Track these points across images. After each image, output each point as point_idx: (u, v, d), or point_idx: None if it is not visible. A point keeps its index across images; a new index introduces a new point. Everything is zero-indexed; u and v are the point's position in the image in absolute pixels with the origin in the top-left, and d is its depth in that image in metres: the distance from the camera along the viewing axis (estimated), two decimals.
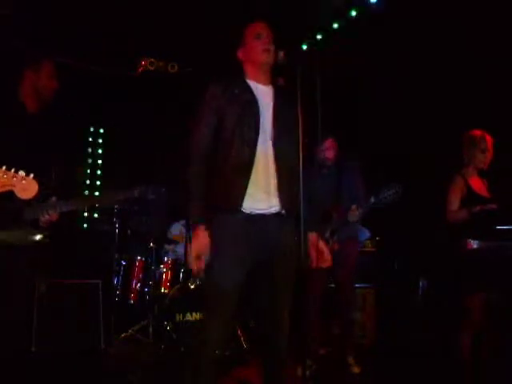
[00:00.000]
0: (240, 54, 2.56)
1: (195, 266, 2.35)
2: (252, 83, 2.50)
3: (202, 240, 2.35)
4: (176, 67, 5.85)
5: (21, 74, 2.88)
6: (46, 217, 2.69)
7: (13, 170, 2.04)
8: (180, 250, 5.15)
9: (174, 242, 5.35)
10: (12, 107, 2.84)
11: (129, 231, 5.40)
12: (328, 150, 4.09)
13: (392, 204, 3.57)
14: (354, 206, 3.71)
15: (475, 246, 3.34)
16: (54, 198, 2.74)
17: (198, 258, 2.35)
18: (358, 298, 4.85)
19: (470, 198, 3.41)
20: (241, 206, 2.34)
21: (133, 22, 4.98)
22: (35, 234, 2.72)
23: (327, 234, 3.82)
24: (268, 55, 2.46)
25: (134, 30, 5.10)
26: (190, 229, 4.93)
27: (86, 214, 6.09)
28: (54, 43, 4.77)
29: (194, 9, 4.85)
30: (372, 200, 3.61)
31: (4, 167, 2.03)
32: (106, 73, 5.50)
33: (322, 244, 2.52)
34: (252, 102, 2.44)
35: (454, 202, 3.43)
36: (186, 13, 4.90)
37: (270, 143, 2.42)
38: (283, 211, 2.41)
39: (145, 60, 5.75)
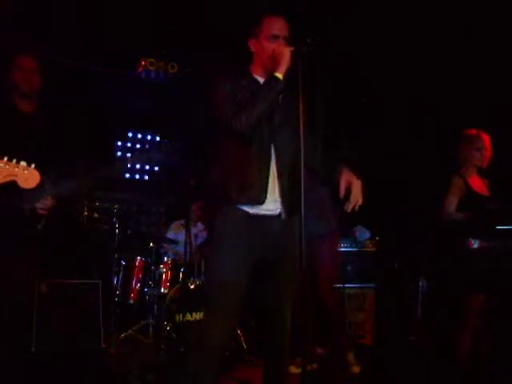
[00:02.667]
0: (251, 45, 2.46)
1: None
2: (258, 78, 2.45)
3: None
4: (176, 67, 5.86)
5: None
6: (43, 202, 2.65)
7: (14, 161, 2.05)
8: (180, 249, 5.15)
9: (174, 242, 5.36)
10: (4, 109, 2.85)
11: (129, 231, 5.40)
12: None
13: None
14: None
15: (475, 246, 3.34)
16: (48, 182, 2.67)
17: None
18: (358, 297, 4.85)
19: (470, 197, 3.41)
20: (264, 201, 2.32)
21: (133, 22, 4.97)
22: (35, 223, 2.70)
23: None
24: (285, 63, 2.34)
25: (134, 30, 5.09)
26: (189, 228, 4.95)
27: (85, 214, 6.09)
28: (54, 43, 4.78)
29: (194, 9, 4.85)
30: None
31: (6, 158, 2.04)
32: (106, 73, 5.49)
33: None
34: None
35: (452, 202, 3.42)
36: (186, 13, 4.90)
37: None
38: (285, 213, 2.39)
39: (145, 60, 5.75)
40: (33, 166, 2.09)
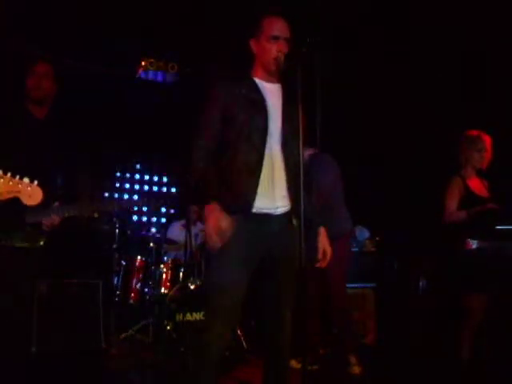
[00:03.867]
0: (252, 45, 2.45)
1: (215, 242, 2.26)
2: (259, 81, 2.44)
3: (219, 215, 2.25)
4: (176, 67, 5.86)
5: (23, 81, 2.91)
6: (49, 221, 2.70)
7: (17, 177, 2.06)
8: (180, 249, 5.15)
9: (174, 242, 5.35)
10: (17, 114, 2.86)
11: (129, 231, 5.40)
12: None
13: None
14: None
15: (475, 246, 3.34)
16: (57, 203, 2.76)
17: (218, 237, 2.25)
18: (358, 297, 4.84)
19: (469, 198, 3.41)
20: (252, 207, 2.32)
21: (133, 22, 4.98)
22: (36, 238, 2.73)
23: None
24: (278, 66, 2.37)
25: (134, 30, 5.10)
26: (189, 228, 4.95)
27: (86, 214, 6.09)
28: (55, 43, 4.78)
29: (193, 9, 4.85)
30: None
31: (9, 174, 2.05)
32: (106, 73, 5.50)
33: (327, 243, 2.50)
34: (259, 102, 2.38)
35: (452, 202, 3.43)
36: (185, 13, 4.90)
37: (277, 144, 2.39)
38: (292, 214, 2.39)
39: (145, 60, 5.75)
40: (35, 182, 2.10)
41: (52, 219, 2.71)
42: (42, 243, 2.78)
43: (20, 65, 2.98)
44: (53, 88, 2.95)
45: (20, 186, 2.07)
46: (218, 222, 2.23)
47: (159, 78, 5.85)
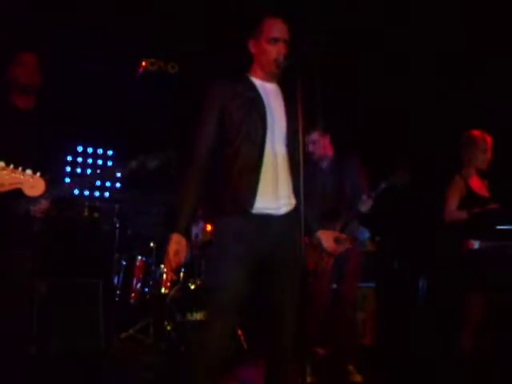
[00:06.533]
0: (251, 46, 2.45)
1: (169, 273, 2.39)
2: (257, 81, 2.44)
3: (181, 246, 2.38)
4: (176, 67, 5.86)
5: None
6: (37, 205, 2.63)
7: (20, 169, 2.06)
8: None
9: None
10: (1, 105, 2.85)
11: (129, 231, 5.40)
12: (315, 145, 3.91)
13: (402, 186, 3.52)
14: (364, 196, 3.61)
15: (475, 246, 3.34)
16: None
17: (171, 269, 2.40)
18: (358, 297, 4.84)
19: (470, 198, 3.41)
20: (251, 208, 2.31)
21: (133, 22, 4.98)
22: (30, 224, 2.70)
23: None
24: (278, 67, 2.37)
25: (135, 30, 5.10)
26: (190, 228, 4.95)
27: (86, 214, 6.09)
28: (54, 43, 4.78)
29: (194, 9, 4.86)
30: (382, 185, 3.50)
31: (11, 166, 2.05)
32: (106, 73, 5.50)
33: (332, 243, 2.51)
34: (257, 100, 2.38)
35: (453, 201, 3.43)
36: (186, 13, 4.91)
37: (278, 142, 2.39)
38: (294, 212, 2.39)
39: (145, 60, 5.75)
40: (38, 174, 2.10)
41: (40, 204, 2.63)
42: (36, 229, 2.73)
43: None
44: (40, 79, 2.94)
45: (22, 177, 2.07)
46: (176, 248, 2.43)
47: (159, 77, 5.85)
